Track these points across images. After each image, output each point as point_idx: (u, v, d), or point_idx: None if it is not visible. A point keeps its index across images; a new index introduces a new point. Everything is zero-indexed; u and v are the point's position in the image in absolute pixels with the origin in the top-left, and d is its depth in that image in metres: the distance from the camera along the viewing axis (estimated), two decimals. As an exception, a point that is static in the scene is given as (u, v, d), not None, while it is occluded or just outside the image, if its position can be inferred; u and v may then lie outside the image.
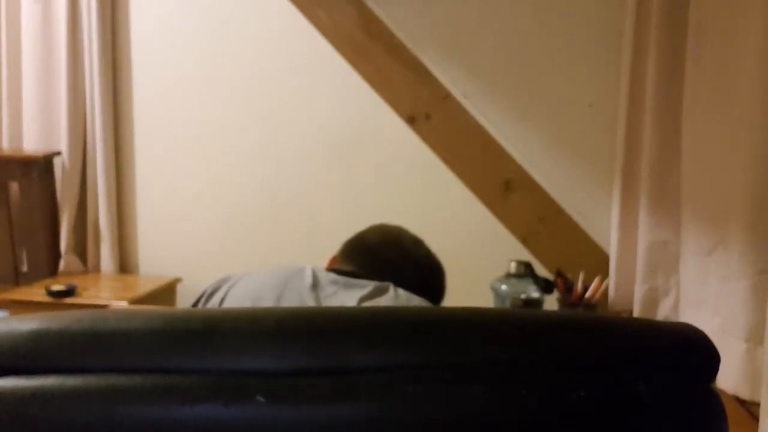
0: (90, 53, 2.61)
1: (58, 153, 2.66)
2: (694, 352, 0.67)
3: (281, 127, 2.58)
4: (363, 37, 2.47)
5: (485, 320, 0.66)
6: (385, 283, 1.19)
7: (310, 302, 1.14)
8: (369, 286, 1.18)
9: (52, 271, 2.68)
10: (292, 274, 1.20)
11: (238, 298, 1.17)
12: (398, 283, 1.20)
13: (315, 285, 1.17)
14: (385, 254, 1.32)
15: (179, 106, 2.65)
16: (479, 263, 2.28)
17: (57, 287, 2.42)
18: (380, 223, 1.41)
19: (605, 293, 2.13)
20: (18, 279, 2.66)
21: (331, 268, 1.26)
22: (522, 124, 2.43)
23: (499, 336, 0.64)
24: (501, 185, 2.45)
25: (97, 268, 2.71)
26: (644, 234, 2.12)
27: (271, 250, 2.60)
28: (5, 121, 2.69)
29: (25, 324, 0.64)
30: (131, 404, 0.59)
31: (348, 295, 1.16)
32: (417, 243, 1.37)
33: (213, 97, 2.62)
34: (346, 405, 0.60)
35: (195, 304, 1.24)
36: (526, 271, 1.89)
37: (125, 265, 2.74)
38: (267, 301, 1.14)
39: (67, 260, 2.68)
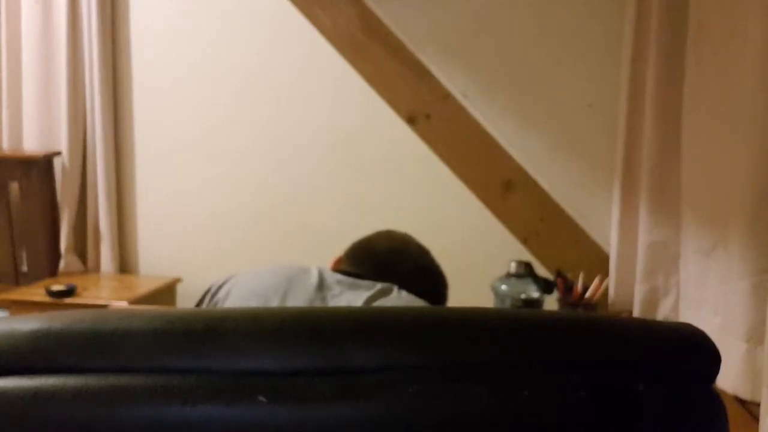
0: (90, 53, 2.61)
1: (58, 153, 2.66)
2: (695, 352, 0.67)
3: (281, 127, 2.59)
4: (363, 37, 2.47)
5: (485, 320, 0.66)
6: (389, 285, 1.20)
7: (317, 302, 1.14)
8: (374, 287, 1.19)
9: (52, 271, 2.68)
10: (296, 273, 1.21)
11: (242, 296, 1.18)
12: (401, 289, 1.21)
13: (321, 285, 1.18)
14: (391, 261, 1.33)
15: (179, 106, 2.65)
16: (479, 263, 2.28)
17: (57, 287, 2.42)
18: (388, 230, 1.43)
19: (605, 293, 2.13)
20: (18, 279, 2.66)
21: (336, 269, 1.27)
22: (522, 124, 2.43)
23: (499, 336, 0.64)
24: (501, 185, 2.45)
25: (97, 268, 2.71)
26: (644, 234, 2.12)
27: (271, 250, 2.60)
28: (5, 121, 2.69)
29: (26, 324, 0.63)
30: (132, 404, 0.59)
31: (354, 296, 1.17)
32: (423, 252, 1.39)
33: (213, 97, 2.62)
34: (347, 405, 0.60)
35: (200, 300, 1.25)
36: (526, 271, 1.89)
37: (125, 265, 2.74)
38: (273, 300, 1.15)
39: (67, 260, 2.69)
